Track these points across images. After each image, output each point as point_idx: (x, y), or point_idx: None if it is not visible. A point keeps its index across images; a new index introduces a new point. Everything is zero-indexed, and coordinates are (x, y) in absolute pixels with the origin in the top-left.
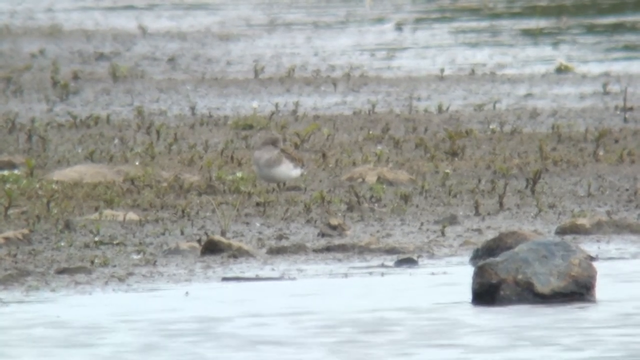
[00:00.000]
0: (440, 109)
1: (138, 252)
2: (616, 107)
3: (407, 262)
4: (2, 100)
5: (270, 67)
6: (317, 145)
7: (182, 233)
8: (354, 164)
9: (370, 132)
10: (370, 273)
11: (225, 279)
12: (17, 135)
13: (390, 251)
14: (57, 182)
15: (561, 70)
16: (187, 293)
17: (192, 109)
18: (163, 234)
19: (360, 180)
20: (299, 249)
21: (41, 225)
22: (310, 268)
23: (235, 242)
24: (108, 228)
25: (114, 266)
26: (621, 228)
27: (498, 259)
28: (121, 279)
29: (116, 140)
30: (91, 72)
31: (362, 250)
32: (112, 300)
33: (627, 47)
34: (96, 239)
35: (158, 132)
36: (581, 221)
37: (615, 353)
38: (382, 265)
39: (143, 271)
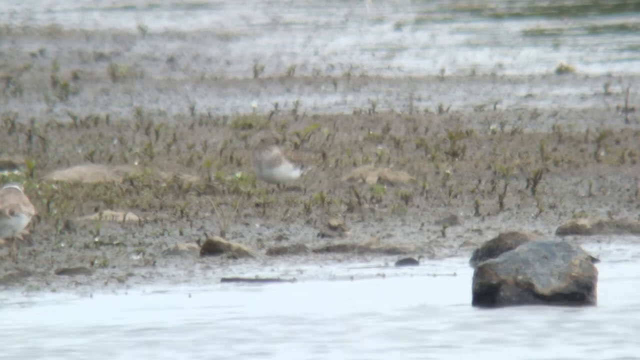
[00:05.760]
0: (440, 109)
1: (137, 252)
2: (617, 108)
3: (408, 262)
4: (1, 101)
5: (270, 66)
6: (317, 145)
7: (181, 234)
8: (354, 164)
9: (371, 132)
10: (371, 274)
11: (224, 279)
12: (17, 136)
13: (391, 252)
14: (57, 183)
15: (562, 71)
16: (190, 295)
17: (192, 108)
18: (162, 234)
19: (360, 180)
20: (298, 249)
21: (41, 226)
22: (310, 269)
23: (234, 243)
24: (108, 228)
25: (114, 267)
26: (622, 228)
27: (498, 259)
28: (121, 280)
29: (115, 141)
30: (91, 72)
31: (363, 251)
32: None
33: (629, 48)
34: (96, 239)
35: (157, 132)
36: (582, 221)
37: (616, 354)
38: (383, 266)
39: (142, 272)
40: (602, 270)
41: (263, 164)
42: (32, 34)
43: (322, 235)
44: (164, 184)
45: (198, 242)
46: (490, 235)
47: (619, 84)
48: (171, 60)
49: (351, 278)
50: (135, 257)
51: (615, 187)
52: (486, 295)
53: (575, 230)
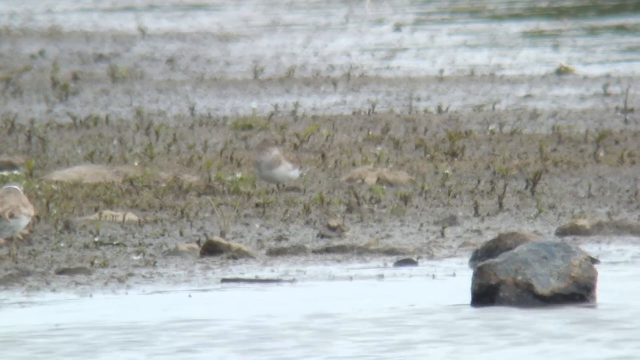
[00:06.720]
0: (440, 110)
1: (138, 253)
2: (617, 109)
3: (407, 263)
4: (1, 101)
5: (270, 67)
6: (316, 146)
7: (181, 234)
8: (354, 164)
9: (370, 133)
10: (370, 275)
11: (225, 280)
12: (17, 136)
13: (390, 252)
14: (57, 183)
15: (561, 71)
16: (190, 295)
17: (192, 109)
18: (162, 235)
19: (360, 181)
20: (298, 250)
21: (41, 226)
22: (310, 270)
23: (234, 244)
24: (108, 229)
25: (114, 267)
26: (622, 229)
27: (498, 260)
28: (121, 280)
29: (115, 141)
30: (91, 73)
31: (362, 252)
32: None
33: (628, 49)
34: (96, 239)
35: (157, 133)
36: (582, 222)
37: (615, 354)
38: (382, 267)
39: (143, 272)
40: (602, 271)
41: (263, 165)
42: (32, 36)
43: (322, 236)
44: (164, 185)
45: (198, 242)
46: (489, 236)
47: (618, 85)
48: (171, 61)
49: (351, 279)
50: (136, 258)
51: (615, 188)
52: (485, 295)
53: (575, 231)
